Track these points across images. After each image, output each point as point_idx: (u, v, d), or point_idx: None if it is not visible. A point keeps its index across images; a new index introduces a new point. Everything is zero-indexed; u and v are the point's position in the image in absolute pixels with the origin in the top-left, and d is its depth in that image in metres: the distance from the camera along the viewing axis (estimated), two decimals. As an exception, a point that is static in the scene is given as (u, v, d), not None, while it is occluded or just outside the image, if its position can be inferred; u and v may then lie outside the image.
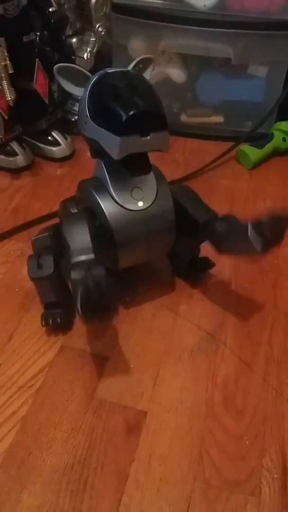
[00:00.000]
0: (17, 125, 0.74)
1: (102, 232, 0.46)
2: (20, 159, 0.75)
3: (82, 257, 0.42)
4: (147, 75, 0.49)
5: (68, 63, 0.81)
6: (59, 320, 0.51)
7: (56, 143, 0.78)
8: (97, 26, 0.76)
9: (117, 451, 0.42)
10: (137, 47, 0.81)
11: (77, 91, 0.45)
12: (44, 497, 0.39)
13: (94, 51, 0.79)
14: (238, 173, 0.78)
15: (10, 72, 0.61)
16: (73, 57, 0.80)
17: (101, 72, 0.44)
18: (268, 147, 0.79)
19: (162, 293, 0.56)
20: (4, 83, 0.61)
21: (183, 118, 0.87)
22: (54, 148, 0.78)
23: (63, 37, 0.79)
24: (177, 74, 0.83)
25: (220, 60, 0.79)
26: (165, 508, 0.38)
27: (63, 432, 0.43)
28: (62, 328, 0.51)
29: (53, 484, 0.40)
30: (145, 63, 0.49)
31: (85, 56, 0.78)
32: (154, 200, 0.47)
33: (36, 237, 0.53)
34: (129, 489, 0.40)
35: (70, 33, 0.79)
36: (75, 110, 0.85)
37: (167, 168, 0.78)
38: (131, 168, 0.44)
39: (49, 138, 0.78)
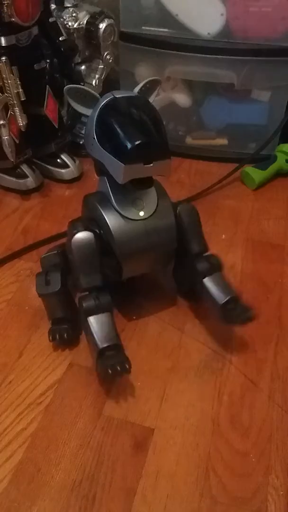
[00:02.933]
0: (27, 148, 0.76)
1: (105, 243, 0.48)
2: (30, 181, 0.77)
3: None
4: (152, 96, 0.51)
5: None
6: (65, 335, 0.51)
7: (65, 165, 0.80)
8: (105, 54, 0.79)
9: (124, 468, 0.43)
10: (144, 73, 0.84)
11: (86, 111, 0.47)
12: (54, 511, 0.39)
13: (102, 77, 0.82)
14: (243, 194, 0.80)
15: (22, 99, 0.64)
16: (82, 83, 0.82)
17: (109, 96, 0.46)
18: (272, 168, 0.80)
19: (168, 311, 0.57)
20: (16, 109, 0.63)
21: (188, 140, 0.89)
22: (63, 170, 0.80)
23: (73, 64, 0.82)
24: (182, 99, 0.85)
25: (224, 85, 0.81)
26: (172, 525, 0.39)
27: (72, 448, 0.44)
28: (69, 343, 0.52)
29: (62, 500, 0.40)
30: (152, 84, 0.50)
31: (93, 82, 0.81)
32: (155, 211, 0.49)
33: (45, 255, 0.55)
34: (136, 505, 0.40)
35: (79, 60, 0.82)
36: (83, 134, 0.87)
37: (173, 189, 0.79)
38: (134, 182, 0.45)
39: (58, 160, 0.80)
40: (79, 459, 0.43)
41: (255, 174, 0.79)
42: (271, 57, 0.75)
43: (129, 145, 0.41)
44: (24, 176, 0.77)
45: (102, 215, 0.47)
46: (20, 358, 0.52)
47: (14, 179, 0.77)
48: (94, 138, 0.45)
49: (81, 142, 0.86)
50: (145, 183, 0.46)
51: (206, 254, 0.52)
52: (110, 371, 0.44)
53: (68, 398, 0.48)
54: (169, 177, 0.84)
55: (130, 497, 0.41)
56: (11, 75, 0.62)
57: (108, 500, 0.40)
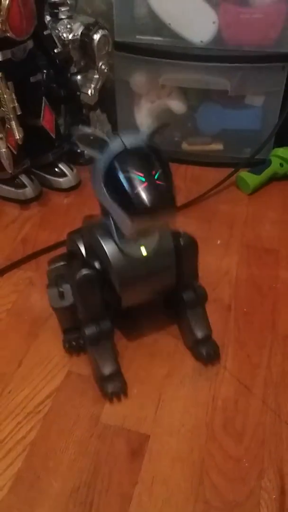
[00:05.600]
0: (25, 159, 0.77)
1: (106, 275, 0.49)
2: (28, 191, 0.78)
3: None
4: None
5: (74, 99, 0.85)
6: (81, 342, 0.53)
7: (62, 174, 0.81)
8: (100, 64, 0.80)
9: (121, 474, 0.44)
10: (139, 82, 0.86)
11: (95, 154, 0.45)
12: (52, 519, 0.41)
13: (98, 87, 0.83)
14: (238, 199, 0.81)
15: (18, 113, 0.65)
16: (78, 93, 0.84)
17: (119, 143, 0.44)
18: (266, 173, 0.81)
19: (163, 319, 0.58)
20: (13, 123, 0.65)
21: (184, 146, 0.90)
22: (61, 179, 0.82)
23: (69, 74, 0.83)
24: (177, 105, 0.87)
25: (218, 92, 0.82)
26: (167, 529, 0.40)
27: (70, 455, 0.45)
28: (82, 350, 0.54)
29: (60, 506, 0.42)
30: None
31: (89, 92, 0.82)
32: (156, 246, 0.49)
33: (52, 267, 0.56)
34: (132, 510, 0.41)
35: (75, 70, 0.83)
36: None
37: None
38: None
39: (56, 170, 0.81)
40: (77, 466, 0.44)
41: (250, 179, 0.80)
42: (264, 63, 0.76)
43: (138, 206, 0.42)
44: (23, 186, 0.78)
45: (105, 251, 0.48)
46: (20, 367, 0.53)
47: (13, 189, 0.78)
48: (102, 186, 0.45)
49: (78, 151, 0.88)
50: (149, 232, 0.48)
51: (194, 284, 0.54)
52: (110, 394, 0.49)
53: (66, 407, 0.49)
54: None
55: (127, 503, 0.42)
56: (7, 90, 0.64)
57: (105, 505, 0.42)
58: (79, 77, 0.83)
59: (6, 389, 0.51)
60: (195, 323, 0.53)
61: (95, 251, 0.50)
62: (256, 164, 0.83)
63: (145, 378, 0.52)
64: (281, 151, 0.83)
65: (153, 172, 0.42)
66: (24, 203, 0.79)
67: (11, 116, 0.64)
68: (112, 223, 0.47)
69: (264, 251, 0.70)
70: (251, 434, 0.47)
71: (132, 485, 0.43)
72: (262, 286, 0.63)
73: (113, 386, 0.49)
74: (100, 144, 0.45)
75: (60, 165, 0.81)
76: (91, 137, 0.44)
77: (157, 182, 0.42)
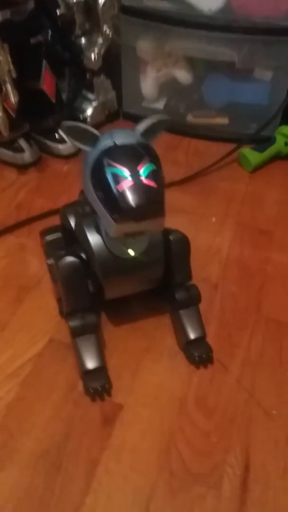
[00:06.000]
0: (24, 123, 0.77)
1: (90, 267, 0.48)
2: (27, 156, 0.78)
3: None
4: (158, 135, 0.45)
5: (77, 62, 0.83)
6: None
7: (62, 140, 0.81)
8: (104, 28, 0.78)
9: (91, 440, 0.45)
10: (145, 48, 0.83)
11: (85, 147, 0.44)
12: (21, 476, 0.42)
13: (102, 52, 0.81)
14: (238, 176, 0.79)
15: (14, 76, 0.64)
16: (82, 57, 0.82)
17: (109, 139, 0.42)
18: (270, 151, 0.80)
19: (149, 296, 0.57)
20: (8, 86, 0.64)
21: (189, 118, 0.88)
22: (60, 146, 0.81)
23: (73, 37, 0.81)
24: (183, 75, 0.84)
25: (226, 63, 0.80)
26: (130, 494, 0.42)
27: (44, 419, 0.47)
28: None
29: (30, 465, 0.43)
30: (160, 125, 0.45)
31: (92, 56, 0.80)
32: (145, 249, 0.48)
33: (49, 239, 0.56)
34: (99, 474, 0.43)
35: (80, 33, 0.81)
36: (83, 108, 0.88)
37: (168, 168, 0.79)
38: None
39: (56, 135, 0.81)
40: (50, 429, 0.46)
41: (252, 156, 0.79)
42: (273, 36, 0.73)
43: (121, 207, 0.39)
44: (21, 150, 0.77)
45: (91, 248, 0.47)
46: (4, 331, 0.54)
47: (11, 153, 0.78)
48: (89, 181, 0.43)
49: (81, 117, 0.87)
50: (137, 234, 0.45)
51: (188, 284, 0.53)
52: (92, 391, 0.47)
53: (45, 372, 0.51)
54: (167, 155, 0.84)
55: (94, 467, 0.43)
56: (2, 51, 0.62)
57: (73, 468, 0.43)
58: (83, 40, 0.81)
59: (-12, 351, 0.52)
60: (188, 324, 0.52)
61: (82, 244, 0.49)
62: (260, 141, 0.81)
63: (125, 350, 0.53)
64: (287, 129, 0.81)
65: (142, 171, 0.40)
66: (21, 167, 0.79)
67: (6, 79, 0.63)
68: (101, 224, 0.46)
69: (258, 231, 0.69)
70: (223, 411, 0.48)
71: (101, 450, 0.44)
72: (251, 267, 0.63)
73: (95, 384, 0.48)
74: (91, 138, 0.43)
75: (60, 131, 0.80)
76: (81, 131, 0.42)
77: (145, 182, 0.39)
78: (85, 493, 0.41)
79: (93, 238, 0.47)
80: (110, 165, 0.40)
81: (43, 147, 0.81)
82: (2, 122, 0.69)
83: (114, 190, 0.39)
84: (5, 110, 0.71)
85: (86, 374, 0.48)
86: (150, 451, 0.45)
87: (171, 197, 0.73)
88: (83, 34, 0.81)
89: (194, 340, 0.51)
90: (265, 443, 0.45)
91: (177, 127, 0.88)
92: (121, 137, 0.42)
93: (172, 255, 0.50)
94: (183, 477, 0.43)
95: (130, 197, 0.39)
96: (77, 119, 0.86)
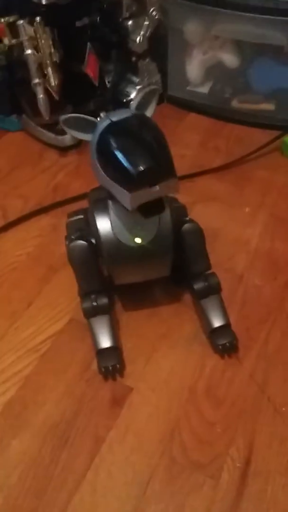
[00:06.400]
0: (67, 105, 0.78)
1: (98, 251, 0.49)
2: (68, 138, 0.79)
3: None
4: (151, 108, 0.46)
5: (124, 45, 0.83)
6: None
7: (103, 124, 0.81)
8: (151, 10, 0.77)
9: (99, 418, 0.47)
10: (192, 31, 0.82)
11: (86, 137, 0.45)
12: (30, 446, 0.45)
13: (147, 34, 0.80)
14: (278, 165, 0.77)
15: (55, 59, 0.65)
16: (128, 39, 0.82)
17: (106, 121, 0.44)
18: (315, 140, 0.76)
19: (169, 283, 0.57)
20: (49, 69, 0.65)
21: (234, 103, 0.86)
22: (101, 129, 0.82)
23: (120, 19, 0.81)
24: (230, 59, 0.82)
25: (274, 47, 0.77)
26: (130, 474, 0.43)
27: (57, 394, 0.49)
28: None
29: (40, 436, 0.46)
30: (149, 96, 0.46)
31: (137, 39, 0.80)
32: (153, 238, 0.48)
33: (71, 219, 0.58)
34: (102, 452, 0.45)
35: (127, 15, 0.81)
36: (127, 92, 0.88)
37: (207, 155, 0.80)
38: (143, 210, 0.44)
39: (98, 119, 0.81)
40: (62, 404, 0.48)
41: (295, 145, 0.76)
42: None
43: (132, 174, 0.40)
44: (63, 132, 0.79)
45: (99, 234, 0.48)
46: (29, 307, 0.57)
47: (53, 135, 0.80)
48: (97, 165, 0.44)
49: (124, 100, 0.87)
50: (155, 209, 0.44)
51: (207, 273, 0.52)
52: (103, 370, 0.49)
53: (63, 349, 0.53)
54: (207, 141, 0.83)
55: (99, 444, 0.45)
56: (44, 35, 0.63)
57: (78, 443, 0.45)
58: (130, 22, 0.81)
59: (13, 325, 0.55)
60: (209, 313, 0.52)
61: (92, 225, 0.50)
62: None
63: (141, 334, 0.54)
64: None
65: (143, 138, 0.41)
66: (63, 150, 0.81)
67: (48, 62, 0.64)
68: (110, 204, 0.46)
69: (292, 224, 0.67)
70: (231, 403, 0.48)
71: (107, 430, 0.46)
72: (280, 262, 0.62)
73: (106, 363, 0.49)
74: (89, 126, 0.45)
75: (101, 114, 0.81)
76: (80, 121, 0.44)
77: (149, 146, 0.41)
78: (87, 468, 0.43)
79: (101, 224, 0.48)
80: (112, 141, 0.41)
81: (84, 130, 0.82)
82: (43, 104, 0.71)
83: (122, 162, 0.40)
84: (47, 93, 0.73)
85: (99, 353, 0.50)
86: (154, 435, 0.46)
87: (205, 184, 0.74)
88: (130, 17, 0.81)
89: (218, 328, 0.51)
90: (270, 439, 0.45)
91: (221, 112, 0.86)
92: (116, 115, 0.44)
93: (186, 246, 0.50)
94: (183, 463, 0.44)
95: (136, 163, 0.40)
96: (120, 102, 0.86)
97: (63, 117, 0.45)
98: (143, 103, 0.45)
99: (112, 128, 0.43)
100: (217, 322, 0.51)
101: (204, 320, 0.52)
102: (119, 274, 0.51)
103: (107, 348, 0.50)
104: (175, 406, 0.48)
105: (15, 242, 0.65)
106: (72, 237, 0.50)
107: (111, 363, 0.49)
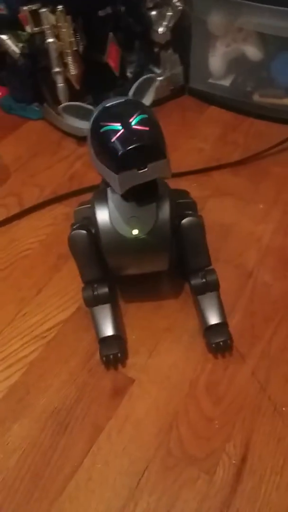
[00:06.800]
0: (87, 95, 0.78)
1: (98, 241, 0.49)
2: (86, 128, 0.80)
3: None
4: (148, 96, 0.47)
5: (147, 35, 0.83)
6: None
7: (122, 115, 0.81)
8: (174, 0, 0.76)
9: (99, 407, 0.48)
10: (216, 22, 0.81)
11: (86, 125, 0.46)
12: (30, 430, 0.46)
13: (170, 25, 0.79)
14: (297, 163, 0.75)
15: (75, 49, 0.65)
16: (151, 30, 0.81)
17: (100, 108, 0.45)
18: None
19: (177, 277, 0.58)
20: (70, 58, 0.65)
21: (255, 97, 0.85)
22: (119, 120, 0.82)
23: (144, 9, 0.80)
24: (253, 52, 0.81)
25: (299, 41, 0.75)
26: (126, 464, 0.44)
27: (60, 381, 0.50)
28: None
29: (40, 421, 0.47)
30: (146, 84, 0.47)
31: (160, 30, 0.79)
32: (150, 230, 0.47)
33: (79, 207, 0.59)
34: (100, 441, 0.45)
35: (151, 5, 0.80)
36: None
37: (224, 149, 0.79)
38: (134, 196, 0.44)
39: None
40: (63, 391, 0.49)
41: (315, 142, 0.74)
42: None
43: (117, 154, 0.40)
44: (82, 122, 0.79)
45: (97, 224, 0.48)
46: (38, 294, 0.58)
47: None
48: (92, 153, 0.45)
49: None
50: (147, 195, 0.45)
51: (206, 269, 0.52)
52: (104, 359, 0.50)
53: (69, 338, 0.54)
54: (225, 135, 0.82)
55: (97, 433, 0.46)
56: (66, 23, 0.63)
57: (78, 431, 0.46)
58: (153, 12, 0.80)
59: (21, 312, 0.56)
60: (205, 310, 0.51)
61: (92, 215, 0.50)
62: None
63: (146, 327, 0.54)
64: None
65: (133, 121, 0.41)
66: (81, 139, 0.81)
67: (68, 51, 0.64)
68: (109, 197, 0.47)
69: (307, 223, 0.66)
70: (231, 400, 0.48)
71: (107, 419, 0.47)
72: (291, 258, 0.61)
73: (107, 351, 0.50)
74: (86, 113, 0.45)
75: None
76: (79, 109, 0.45)
77: (137, 127, 0.40)
78: (84, 456, 0.44)
79: (100, 215, 0.48)
80: (102, 125, 0.42)
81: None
82: (63, 93, 0.72)
83: (108, 143, 0.41)
84: (67, 82, 0.73)
85: (102, 342, 0.50)
86: (152, 427, 0.46)
87: (221, 179, 0.74)
88: (154, 7, 0.80)
89: (214, 326, 0.51)
90: (268, 438, 0.45)
91: (241, 106, 0.85)
92: (111, 101, 0.44)
93: (185, 240, 0.50)
94: (179, 457, 0.44)
95: (122, 143, 0.40)
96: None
97: (62, 105, 0.46)
98: (140, 91, 0.45)
99: (104, 113, 0.43)
100: (212, 320, 0.51)
101: (200, 316, 0.52)
102: (116, 265, 0.51)
103: (109, 337, 0.50)
104: (175, 400, 0.48)
105: (28, 230, 0.66)
106: (74, 226, 0.51)
107: (112, 352, 0.49)
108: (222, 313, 0.51)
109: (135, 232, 0.47)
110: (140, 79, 0.46)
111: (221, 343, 0.50)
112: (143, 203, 0.46)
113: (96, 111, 0.45)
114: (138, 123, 0.41)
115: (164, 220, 0.47)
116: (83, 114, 0.45)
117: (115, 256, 0.49)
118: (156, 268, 0.52)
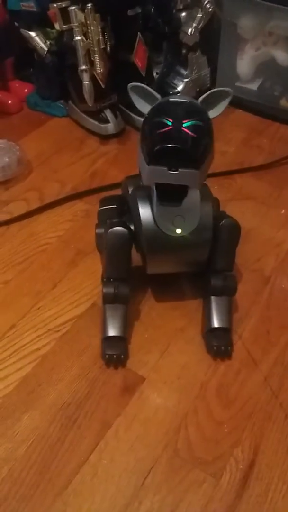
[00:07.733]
0: (113, 94, 0.79)
1: (137, 238, 0.49)
2: (110, 127, 0.80)
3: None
4: (217, 109, 0.46)
5: (176, 36, 0.83)
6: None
7: (147, 114, 0.81)
8: (205, 2, 0.76)
9: (109, 404, 0.48)
10: (246, 25, 0.80)
11: (145, 105, 0.46)
12: (40, 422, 0.46)
13: (199, 27, 0.79)
14: None
15: (102, 47, 0.66)
16: (179, 30, 0.81)
17: (166, 98, 0.45)
18: None
19: (193, 277, 0.57)
20: (96, 56, 0.66)
21: (283, 102, 0.84)
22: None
23: (173, 10, 0.80)
24: (282, 56, 0.80)
25: None
26: (132, 462, 0.43)
27: (71, 375, 0.50)
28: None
29: (50, 414, 0.47)
30: (219, 96, 0.45)
31: (189, 31, 0.79)
32: (194, 230, 0.47)
33: (103, 207, 0.59)
34: (108, 437, 0.45)
35: (181, 7, 0.80)
36: (175, 84, 0.87)
37: (249, 152, 0.79)
38: (161, 195, 0.45)
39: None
40: (74, 386, 0.49)
41: None
42: None
43: (153, 148, 0.41)
44: (106, 121, 0.80)
45: (140, 221, 0.48)
46: (54, 289, 0.58)
47: (96, 123, 0.81)
48: (139, 138, 0.45)
49: (170, 92, 0.87)
50: (172, 197, 0.45)
51: (228, 273, 0.51)
52: (107, 358, 0.50)
53: (82, 333, 0.54)
54: (251, 139, 0.81)
55: (105, 429, 0.46)
56: (94, 21, 0.64)
57: (86, 426, 0.46)
58: (183, 14, 0.80)
59: (37, 305, 0.57)
60: (216, 311, 0.51)
61: (133, 212, 0.50)
62: None
63: (160, 326, 0.54)
64: None
65: (185, 121, 0.41)
66: (104, 138, 0.81)
67: (96, 49, 0.65)
68: (155, 193, 0.46)
69: None
70: (241, 405, 0.47)
71: (115, 416, 0.47)
72: (311, 265, 0.60)
73: (112, 351, 0.50)
74: (150, 98, 0.45)
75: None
76: (145, 93, 0.45)
77: (185, 130, 0.40)
78: (91, 451, 0.44)
79: (143, 211, 0.48)
80: (158, 115, 0.42)
81: (128, 119, 0.83)
82: (88, 91, 0.72)
83: (153, 134, 0.41)
84: (94, 80, 0.74)
85: (106, 340, 0.51)
86: (160, 426, 0.46)
87: (243, 182, 0.73)
88: (184, 8, 0.80)
89: (217, 329, 0.51)
90: (277, 446, 0.44)
91: (268, 111, 0.84)
92: (178, 97, 0.45)
93: (220, 240, 0.50)
94: (186, 458, 0.44)
95: (164, 138, 0.41)
96: (166, 94, 0.86)
97: (131, 84, 0.46)
98: (210, 101, 0.45)
99: (165, 105, 0.44)
100: (219, 323, 0.51)
101: (207, 317, 0.51)
102: (155, 262, 0.51)
103: (114, 337, 0.50)
104: (185, 401, 0.48)
105: (48, 225, 0.67)
106: (112, 222, 0.50)
107: (116, 352, 0.50)
108: (230, 319, 0.51)
109: (178, 231, 0.47)
110: (215, 89, 0.45)
111: (223, 347, 0.50)
112: (165, 203, 0.46)
113: (159, 100, 0.45)
114: (189, 127, 0.41)
115: (207, 221, 0.48)
116: (148, 98, 0.45)
117: (155, 253, 0.49)
118: (194, 268, 0.52)
